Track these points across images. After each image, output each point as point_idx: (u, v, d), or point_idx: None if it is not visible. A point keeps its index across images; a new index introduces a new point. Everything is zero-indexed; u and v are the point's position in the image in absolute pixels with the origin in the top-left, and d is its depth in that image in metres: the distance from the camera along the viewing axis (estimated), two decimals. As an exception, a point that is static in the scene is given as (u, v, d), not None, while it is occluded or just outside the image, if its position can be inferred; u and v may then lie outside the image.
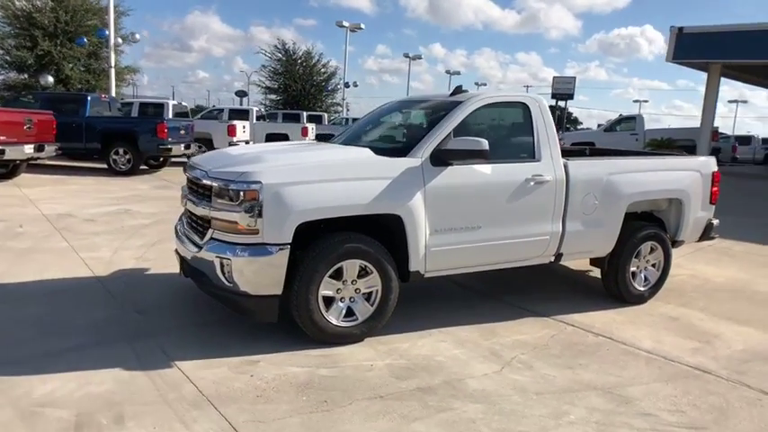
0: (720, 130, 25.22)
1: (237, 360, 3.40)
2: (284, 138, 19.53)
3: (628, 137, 19.69)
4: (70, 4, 23.84)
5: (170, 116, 15.22)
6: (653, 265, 5.10)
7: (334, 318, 3.67)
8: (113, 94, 18.64)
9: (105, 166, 12.72)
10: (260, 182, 3.36)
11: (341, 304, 3.71)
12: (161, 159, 14.18)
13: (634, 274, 4.95)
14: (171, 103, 16.19)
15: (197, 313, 4.19)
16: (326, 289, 3.61)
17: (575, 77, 21.75)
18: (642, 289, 5.02)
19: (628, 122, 21.17)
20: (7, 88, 24.05)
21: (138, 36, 24.68)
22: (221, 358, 3.41)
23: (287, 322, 3.71)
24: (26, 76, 24.22)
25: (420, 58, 52.27)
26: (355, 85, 38.78)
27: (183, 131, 13.67)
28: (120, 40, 21.08)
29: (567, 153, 4.87)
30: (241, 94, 49.56)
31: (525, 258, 4.45)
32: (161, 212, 8.15)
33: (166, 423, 2.69)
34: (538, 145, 4.32)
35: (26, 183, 10.59)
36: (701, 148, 17.68)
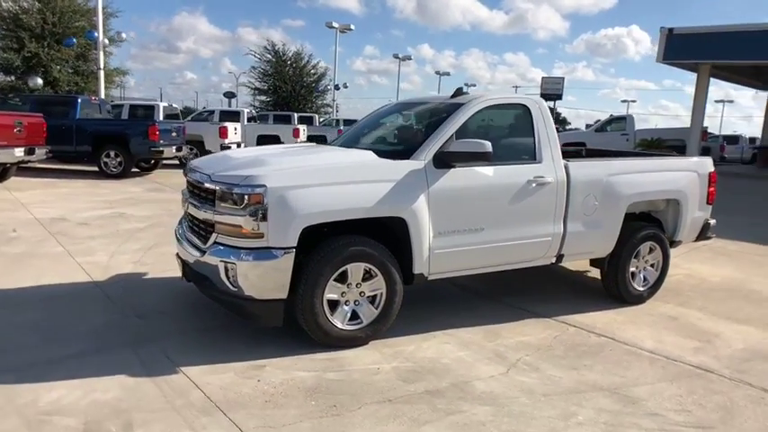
0: (708, 130, 25.52)
1: (243, 365, 3.37)
2: (276, 139, 19.47)
3: (618, 137, 19.84)
4: (57, 5, 23.60)
5: (161, 118, 15.10)
6: (652, 266, 5.13)
7: (339, 321, 3.66)
8: (102, 96, 18.48)
9: (96, 168, 12.60)
10: (264, 185, 3.34)
11: (346, 308, 3.70)
12: (152, 162, 14.08)
13: (633, 274, 4.98)
14: (162, 105, 16.04)
15: (198, 318, 4.16)
16: (331, 292, 3.60)
17: (563, 78, 21.92)
18: (641, 289, 5.05)
19: (618, 123, 21.34)
20: (-6, 91, 23.79)
21: (124, 35, 24.55)
22: (227, 363, 3.38)
23: (290, 326, 3.69)
24: (13, 78, 23.95)
25: (410, 58, 52.35)
26: (345, 87, 38.73)
27: (174, 134, 13.58)
28: (107, 41, 20.90)
29: (562, 154, 4.89)
30: (229, 95, 49.36)
31: (527, 260, 4.46)
32: (155, 216, 8.09)
33: (176, 430, 2.66)
34: (539, 146, 4.34)
35: (17, 186, 10.47)
36: (691, 148, 17.87)
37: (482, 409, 3.02)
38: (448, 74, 59.38)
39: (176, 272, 5.07)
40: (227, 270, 3.44)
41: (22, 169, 11.68)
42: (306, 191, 3.43)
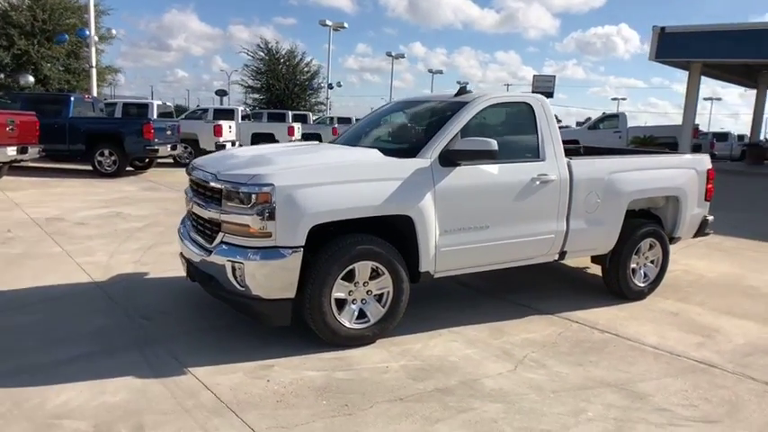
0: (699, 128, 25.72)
1: (252, 365, 3.36)
2: (270, 138, 19.39)
3: (611, 134, 19.95)
4: (48, 2, 23.35)
5: (155, 117, 15.01)
6: (652, 262, 5.17)
7: (346, 320, 3.65)
8: (95, 95, 18.33)
9: (90, 168, 12.49)
10: (272, 184, 3.33)
11: (353, 306, 3.70)
12: (146, 160, 13.98)
13: (634, 270, 5.02)
14: (155, 103, 15.94)
15: (203, 318, 4.14)
16: (339, 291, 3.60)
17: (554, 76, 21.98)
18: (642, 285, 5.08)
19: (611, 120, 21.44)
20: (-17, 89, 23.51)
21: (114, 32, 24.33)
22: (234, 363, 3.37)
23: (296, 325, 3.68)
24: (2, 76, 23.68)
25: (403, 57, 52.29)
26: (339, 86, 38.72)
27: (169, 132, 13.50)
28: (96, 38, 20.70)
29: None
30: (221, 93, 49.17)
31: (531, 257, 4.48)
32: (152, 215, 8.04)
33: (188, 432, 2.65)
34: (542, 144, 4.36)
35: (9, 186, 10.36)
36: (683, 145, 18.00)
37: (493, 406, 3.04)
38: (441, 72, 59.63)
39: (178, 272, 5.06)
40: (234, 270, 3.42)
41: (15, 168, 11.56)
42: (313, 189, 3.42)
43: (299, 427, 2.73)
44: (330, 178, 3.52)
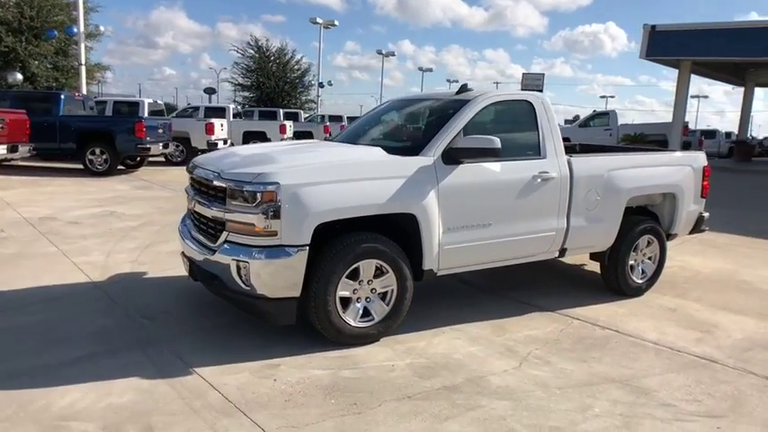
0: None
1: (257, 364, 3.35)
2: (262, 136, 19.30)
3: (602, 132, 20.08)
4: (35, -1, 23.09)
5: (146, 115, 14.89)
6: (649, 258, 5.21)
7: (351, 318, 3.65)
8: (84, 92, 18.13)
9: (81, 166, 12.36)
10: (277, 182, 3.31)
11: (358, 305, 3.69)
12: (138, 159, 13.86)
13: (632, 267, 5.06)
14: (146, 101, 15.81)
15: (205, 317, 4.11)
16: (344, 290, 3.59)
17: (543, 74, 21.99)
18: (640, 281, 5.13)
19: (601, 118, 21.57)
20: (-31, 87, 23.19)
21: (102, 29, 24.10)
22: (240, 363, 3.35)
23: (298, 324, 3.66)
24: (-12, 73, 23.36)
25: (393, 55, 52.31)
26: (330, 84, 38.64)
27: (160, 130, 13.39)
28: (82, 36, 20.48)
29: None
30: (210, 91, 48.89)
31: (532, 254, 4.50)
32: (147, 214, 7.98)
33: (198, 432, 2.64)
34: (543, 142, 4.37)
35: (0, 185, 10.23)
36: (673, 143, 18.16)
37: (500, 403, 3.05)
38: (430, 70, 59.80)
39: (176, 271, 5.05)
40: (239, 269, 3.40)
41: (4, 167, 11.43)
42: (318, 188, 3.41)
43: (310, 426, 2.72)
44: (335, 176, 3.51)
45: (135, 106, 15.75)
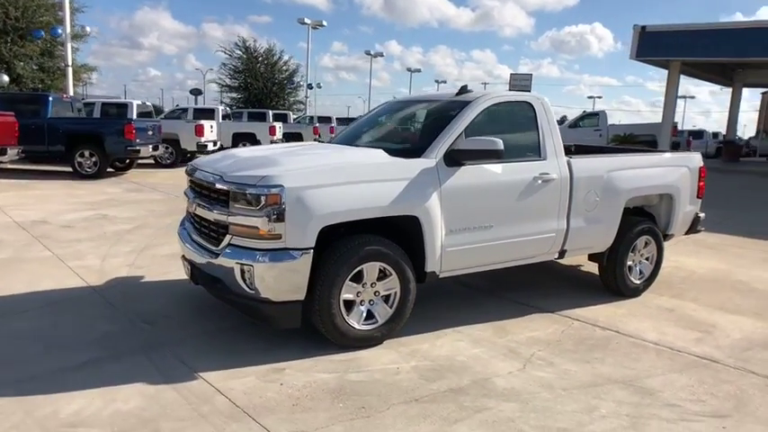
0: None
1: (263, 368, 3.33)
2: (252, 137, 19.19)
3: (591, 132, 20.22)
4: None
5: (134, 116, 14.75)
6: (647, 259, 5.25)
7: (355, 321, 3.64)
8: (71, 94, 17.94)
9: (70, 169, 12.21)
10: (282, 185, 3.29)
11: (361, 307, 3.68)
12: (127, 161, 13.73)
13: (630, 267, 5.09)
14: (135, 102, 15.65)
15: (207, 320, 4.08)
16: (348, 292, 3.58)
17: (531, 75, 22.09)
18: (638, 282, 5.16)
19: (591, 119, 21.74)
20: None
21: (89, 29, 23.90)
22: (245, 367, 3.33)
23: (300, 327, 3.64)
24: (-27, 75, 23.04)
25: (381, 55, 52.37)
26: (319, 87, 38.55)
27: (150, 132, 13.27)
28: (68, 37, 20.26)
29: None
30: (196, 92, 48.68)
31: (532, 256, 4.52)
32: (139, 217, 7.90)
33: (207, 438, 2.61)
34: (543, 143, 4.40)
35: (-12, 188, 10.09)
36: (663, 143, 18.34)
37: (507, 405, 3.05)
38: (419, 71, 59.82)
39: (175, 274, 5.02)
40: (242, 272, 3.38)
41: (-8, 170, 11.27)
42: (323, 190, 3.39)
43: (320, 430, 2.71)
44: (338, 179, 3.50)
45: (123, 108, 15.58)
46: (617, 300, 5.01)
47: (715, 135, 30.42)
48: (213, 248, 3.62)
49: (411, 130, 4.91)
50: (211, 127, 16.73)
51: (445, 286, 5.05)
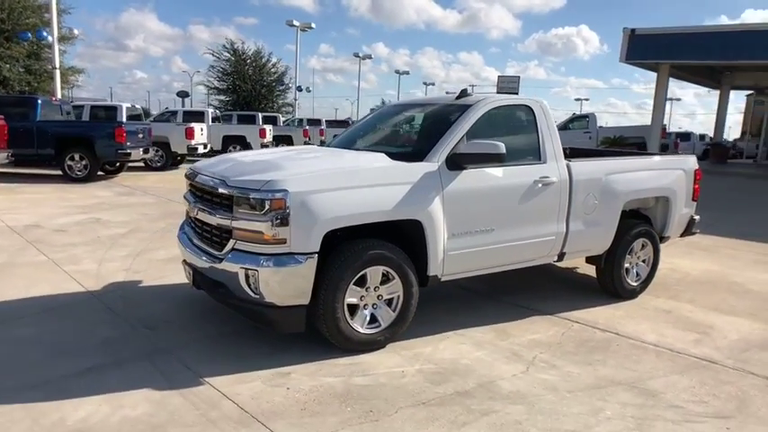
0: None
1: (268, 373, 3.32)
2: (242, 140, 19.11)
3: (581, 135, 20.37)
4: (6, 1, 22.51)
5: (124, 119, 14.63)
6: (643, 261, 5.30)
7: (358, 325, 3.64)
8: (59, 96, 17.77)
9: (60, 172, 12.07)
10: (286, 190, 3.29)
11: (365, 311, 3.69)
12: (117, 165, 13.61)
13: (627, 270, 5.14)
14: (125, 105, 15.52)
15: (208, 325, 4.06)
16: (351, 297, 3.58)
17: (519, 77, 22.20)
18: (635, 284, 5.21)
19: (580, 121, 21.91)
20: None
21: (76, 32, 23.68)
22: (250, 372, 3.32)
23: (303, 332, 3.63)
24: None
25: (370, 57, 52.39)
26: (308, 90, 38.45)
27: (141, 135, 13.17)
28: (50, 39, 20.04)
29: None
30: (183, 94, 48.47)
31: (532, 259, 4.55)
32: (133, 221, 7.84)
33: (216, 443, 2.60)
34: (543, 147, 4.43)
35: (-23, 192, 9.95)
36: (652, 145, 18.53)
37: (514, 408, 3.07)
38: (407, 73, 60.01)
39: (173, 278, 4.99)
40: (247, 277, 3.37)
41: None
42: (327, 195, 3.39)
43: (329, 435, 2.71)
44: (342, 183, 3.50)
45: (113, 111, 15.44)
46: (614, 302, 5.05)
47: (702, 137, 30.76)
48: (216, 253, 3.61)
49: (411, 133, 4.92)
50: (201, 130, 16.65)
51: (443, 289, 5.06)
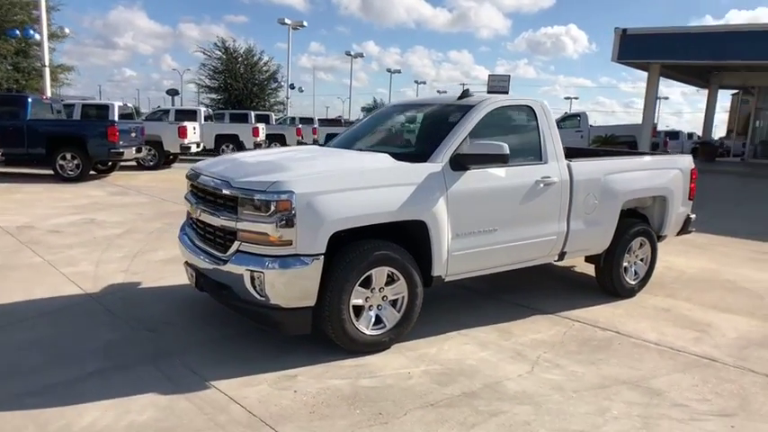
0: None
1: (274, 375, 3.30)
2: (234, 139, 19.01)
3: (573, 134, 20.47)
4: (-8, -2, 22.24)
5: (116, 118, 14.49)
6: (641, 260, 5.34)
7: (364, 327, 3.63)
8: (49, 94, 17.57)
9: (51, 172, 11.93)
10: (292, 191, 3.27)
11: (370, 313, 3.68)
12: (109, 164, 13.49)
13: (626, 268, 5.17)
14: (117, 104, 15.37)
15: (210, 327, 4.03)
16: (357, 298, 3.57)
17: (509, 76, 22.28)
18: (633, 283, 5.25)
19: (572, 120, 22.01)
20: None
21: (67, 31, 23.43)
22: (256, 375, 3.30)
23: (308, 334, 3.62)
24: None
25: (362, 56, 52.30)
26: (300, 91, 38.30)
27: (133, 134, 13.07)
28: (37, 37, 19.79)
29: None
30: (173, 92, 48.18)
31: (534, 258, 4.57)
32: (128, 221, 7.77)
33: (227, 448, 2.58)
34: (544, 147, 4.44)
35: (-33, 192, 9.82)
36: (643, 144, 18.66)
37: (521, 408, 3.08)
38: (398, 71, 59.89)
39: (172, 280, 4.96)
40: (253, 279, 3.34)
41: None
42: (332, 196, 3.38)
43: (339, 438, 2.70)
44: (348, 184, 3.49)
45: (104, 109, 15.28)
46: (613, 300, 5.08)
47: (690, 135, 31.02)
48: (220, 255, 3.58)
49: (414, 133, 4.91)
50: (194, 128, 16.54)
51: (444, 289, 5.05)
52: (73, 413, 2.80)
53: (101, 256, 5.81)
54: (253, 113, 23.22)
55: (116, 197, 10.07)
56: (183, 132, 15.50)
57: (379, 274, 3.63)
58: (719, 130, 36.94)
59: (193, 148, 16.35)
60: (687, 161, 5.65)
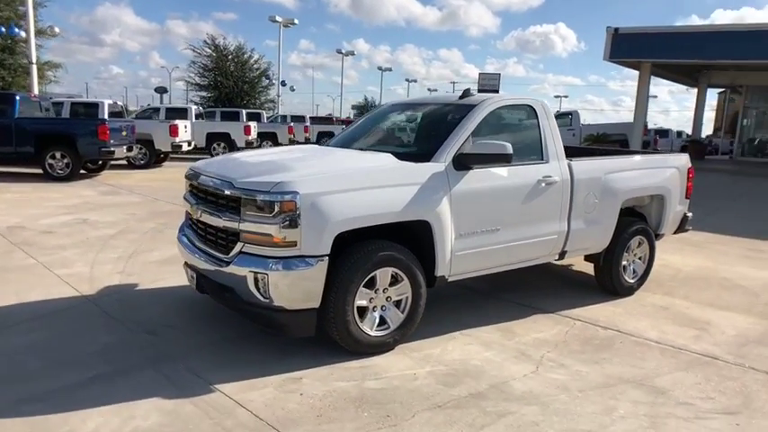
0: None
1: (279, 378, 3.26)
2: (226, 137, 18.87)
3: (565, 132, 20.52)
4: (-23, -6, 21.89)
5: (106, 116, 14.33)
6: (640, 258, 5.36)
7: (368, 328, 3.60)
8: (36, 92, 17.32)
9: (40, 171, 11.77)
10: (297, 192, 3.23)
11: (374, 314, 3.65)
12: (100, 163, 13.33)
13: (625, 267, 5.19)
14: (106, 102, 15.20)
15: (211, 329, 3.98)
16: (361, 299, 3.54)
17: (499, 74, 22.31)
18: (632, 281, 5.27)
19: (563, 118, 22.08)
20: None
21: (57, 30, 23.10)
22: (260, 378, 3.26)
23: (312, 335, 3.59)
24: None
25: (353, 54, 52.17)
26: (292, 90, 38.12)
27: (124, 132, 12.92)
28: (22, 35, 19.49)
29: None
30: (161, 90, 47.78)
31: (535, 258, 4.56)
32: (121, 221, 7.68)
33: (234, 453, 2.54)
34: (545, 146, 4.44)
35: (-46, 192, 9.65)
36: (634, 143, 18.79)
37: (529, 409, 3.07)
38: (390, 69, 59.86)
39: (168, 281, 4.92)
40: (256, 281, 3.30)
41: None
42: (337, 197, 3.35)
43: (349, 441, 2.67)
44: (352, 185, 3.46)
45: (94, 108, 15.11)
46: (612, 299, 5.09)
47: (679, 134, 31.30)
48: (222, 256, 3.53)
49: (417, 133, 4.87)
50: (185, 127, 16.40)
51: (445, 289, 5.02)
52: (76, 420, 2.74)
53: (95, 257, 5.73)
54: (244, 111, 23.04)
55: (108, 197, 9.95)
56: (174, 131, 15.37)
57: (384, 274, 3.60)
58: (706, 128, 37.29)
59: (185, 147, 16.21)
60: (684, 160, 5.68)
